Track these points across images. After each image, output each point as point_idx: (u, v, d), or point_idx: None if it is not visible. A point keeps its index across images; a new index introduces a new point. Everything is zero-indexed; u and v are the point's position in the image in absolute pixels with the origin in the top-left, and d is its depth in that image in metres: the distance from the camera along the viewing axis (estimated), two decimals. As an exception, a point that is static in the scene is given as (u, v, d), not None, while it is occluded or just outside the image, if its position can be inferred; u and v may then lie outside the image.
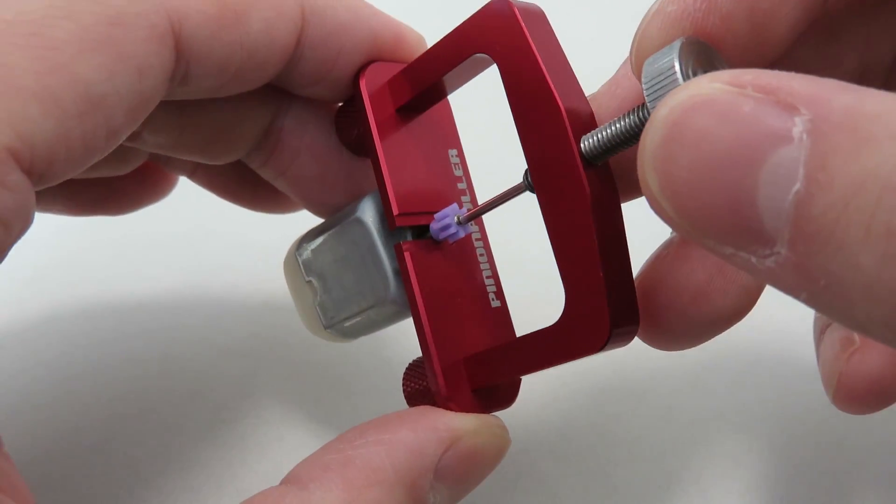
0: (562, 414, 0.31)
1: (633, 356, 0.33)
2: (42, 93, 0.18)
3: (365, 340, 0.28)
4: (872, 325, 0.14)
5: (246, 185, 0.31)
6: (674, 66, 0.18)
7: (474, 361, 0.23)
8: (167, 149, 0.27)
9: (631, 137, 0.20)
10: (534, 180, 0.21)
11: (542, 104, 0.20)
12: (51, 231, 0.39)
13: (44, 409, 0.32)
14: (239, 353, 0.34)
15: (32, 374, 0.33)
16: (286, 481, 0.21)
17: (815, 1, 0.20)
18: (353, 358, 0.34)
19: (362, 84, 0.25)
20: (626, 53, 0.21)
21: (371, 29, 0.25)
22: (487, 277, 0.25)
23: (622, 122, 0.20)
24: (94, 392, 0.33)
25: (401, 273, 0.24)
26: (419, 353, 0.24)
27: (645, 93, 0.18)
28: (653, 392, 0.32)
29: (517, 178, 0.22)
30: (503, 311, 0.25)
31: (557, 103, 0.20)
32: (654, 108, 0.18)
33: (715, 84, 0.15)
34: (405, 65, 0.25)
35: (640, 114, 0.19)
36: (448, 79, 0.24)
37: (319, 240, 0.26)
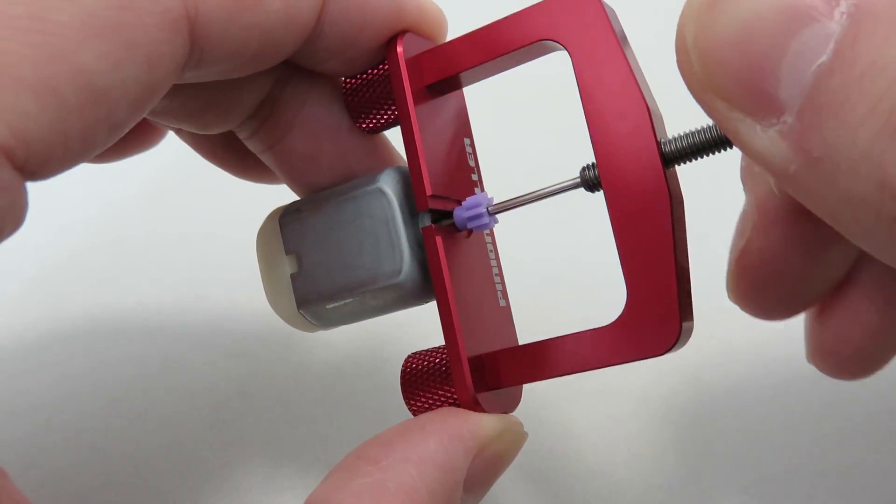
0: (562, 414, 0.31)
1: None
2: (40, 84, 0.17)
3: (365, 340, 0.28)
4: (847, 205, 0.16)
5: (233, 150, 0.29)
6: None
7: (500, 360, 0.23)
8: (155, 115, 0.25)
9: (712, 146, 0.20)
10: (602, 175, 0.21)
11: (622, 100, 0.20)
12: (51, 231, 0.39)
13: (44, 409, 0.32)
14: (239, 353, 0.34)
15: (32, 375, 0.33)
16: None
17: None
18: (354, 358, 0.34)
19: (399, 52, 0.23)
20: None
21: (396, 2, 0.23)
22: (496, 275, 0.25)
23: (708, 133, 0.20)
24: (94, 392, 0.33)
25: (429, 259, 0.22)
26: None
27: None
28: (653, 392, 0.32)
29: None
30: (507, 312, 0.25)
31: (643, 102, 0.20)
32: None
33: None
34: (433, 40, 0.24)
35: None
36: (493, 63, 0.23)
37: (317, 210, 0.24)
